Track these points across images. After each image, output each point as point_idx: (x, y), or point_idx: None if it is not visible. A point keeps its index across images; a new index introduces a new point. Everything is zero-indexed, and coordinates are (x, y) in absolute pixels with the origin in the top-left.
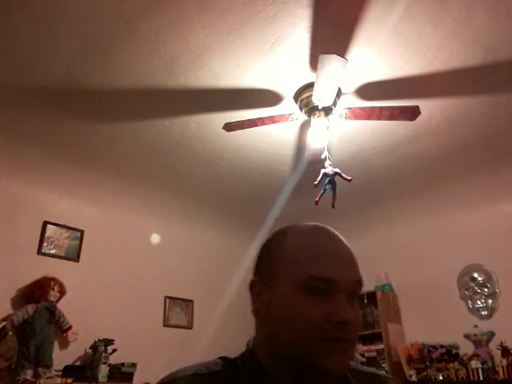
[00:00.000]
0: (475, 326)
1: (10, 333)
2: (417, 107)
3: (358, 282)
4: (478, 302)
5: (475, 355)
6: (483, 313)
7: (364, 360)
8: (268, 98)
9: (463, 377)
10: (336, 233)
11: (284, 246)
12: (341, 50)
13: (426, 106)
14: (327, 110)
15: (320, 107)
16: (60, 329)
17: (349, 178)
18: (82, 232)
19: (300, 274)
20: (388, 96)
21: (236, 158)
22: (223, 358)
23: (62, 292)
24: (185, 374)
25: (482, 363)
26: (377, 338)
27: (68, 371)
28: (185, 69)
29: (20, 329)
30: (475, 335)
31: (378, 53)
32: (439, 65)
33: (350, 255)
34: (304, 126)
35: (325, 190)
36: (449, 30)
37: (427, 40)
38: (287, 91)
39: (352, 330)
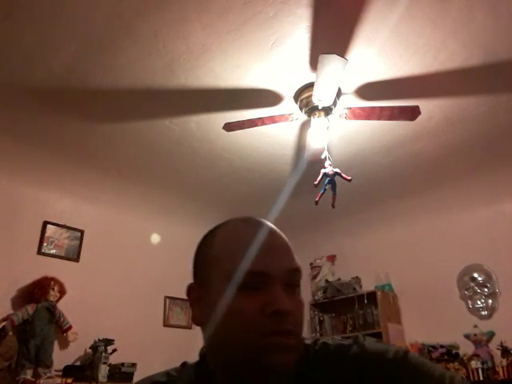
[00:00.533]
0: (475, 326)
1: (10, 333)
2: (417, 107)
3: (294, 271)
4: (478, 302)
5: (475, 355)
6: (483, 313)
7: None
8: (268, 98)
9: (463, 377)
10: (266, 223)
11: (213, 245)
12: (341, 50)
13: (426, 106)
14: (327, 110)
15: (320, 107)
16: (60, 329)
17: (349, 177)
18: (82, 232)
19: (229, 270)
20: (388, 96)
21: (236, 158)
22: (183, 364)
23: (62, 292)
24: (143, 382)
25: (482, 363)
26: (377, 338)
27: (68, 371)
28: (185, 69)
29: (20, 329)
30: (475, 335)
31: (378, 53)
32: (439, 65)
33: (281, 244)
34: (304, 126)
35: (325, 189)
36: (449, 30)
37: (427, 40)
38: (287, 91)
39: (292, 320)
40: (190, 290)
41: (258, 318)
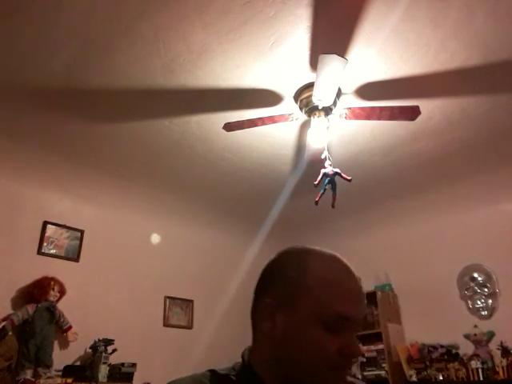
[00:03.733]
0: (475, 326)
1: (10, 333)
2: (417, 107)
3: (365, 318)
4: (478, 302)
5: (475, 355)
6: (483, 313)
7: (364, 360)
8: (268, 98)
9: (463, 377)
10: (350, 266)
11: (306, 276)
12: (341, 50)
13: (426, 106)
14: (327, 110)
15: (320, 107)
16: (60, 329)
17: (349, 177)
18: (81, 232)
19: (324, 310)
20: (388, 96)
21: (236, 158)
22: (212, 371)
23: (62, 292)
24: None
25: (482, 363)
26: (377, 337)
27: (68, 371)
28: (185, 69)
29: (20, 329)
30: (475, 335)
31: (378, 53)
32: (439, 65)
33: (363, 292)
34: (304, 126)
35: (325, 189)
36: (449, 31)
37: (427, 40)
38: (287, 91)
39: (356, 360)
40: (268, 304)
41: (335, 356)
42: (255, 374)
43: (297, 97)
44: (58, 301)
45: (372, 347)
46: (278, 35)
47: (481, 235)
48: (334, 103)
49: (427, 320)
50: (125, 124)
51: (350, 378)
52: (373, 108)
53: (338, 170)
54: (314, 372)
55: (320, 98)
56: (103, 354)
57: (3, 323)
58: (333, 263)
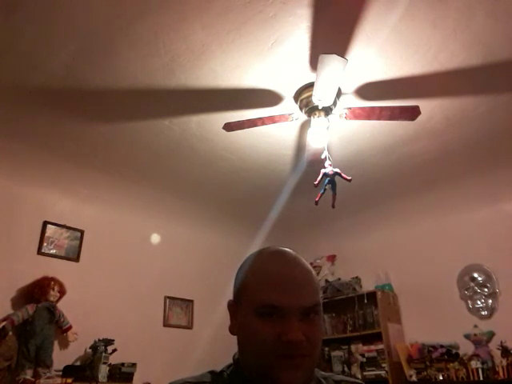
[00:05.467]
0: (475, 326)
1: (10, 333)
2: (417, 107)
3: (308, 308)
4: (478, 302)
5: (475, 355)
6: (483, 313)
7: (364, 360)
8: (268, 97)
9: (463, 377)
10: (294, 257)
11: (246, 273)
12: (341, 50)
13: (426, 106)
14: (327, 110)
15: (320, 107)
16: (60, 329)
17: (349, 177)
18: (82, 232)
19: (253, 299)
20: (388, 96)
21: (236, 158)
22: (211, 372)
23: (62, 292)
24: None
25: (482, 363)
26: (377, 337)
27: (68, 371)
28: (185, 69)
29: (20, 329)
30: (475, 335)
31: (378, 53)
32: (439, 65)
33: (301, 281)
34: (304, 126)
35: (325, 189)
36: (449, 30)
37: (427, 40)
38: (287, 91)
39: (305, 345)
40: (230, 305)
41: (275, 342)
42: (239, 368)
43: (297, 97)
44: (58, 301)
45: (372, 347)
46: (278, 35)
47: (481, 235)
48: (334, 103)
49: (427, 320)
50: (125, 124)
51: (338, 377)
52: (373, 108)
53: (337, 170)
54: (261, 359)
55: (320, 98)
56: (103, 354)
57: (3, 323)
58: (269, 257)
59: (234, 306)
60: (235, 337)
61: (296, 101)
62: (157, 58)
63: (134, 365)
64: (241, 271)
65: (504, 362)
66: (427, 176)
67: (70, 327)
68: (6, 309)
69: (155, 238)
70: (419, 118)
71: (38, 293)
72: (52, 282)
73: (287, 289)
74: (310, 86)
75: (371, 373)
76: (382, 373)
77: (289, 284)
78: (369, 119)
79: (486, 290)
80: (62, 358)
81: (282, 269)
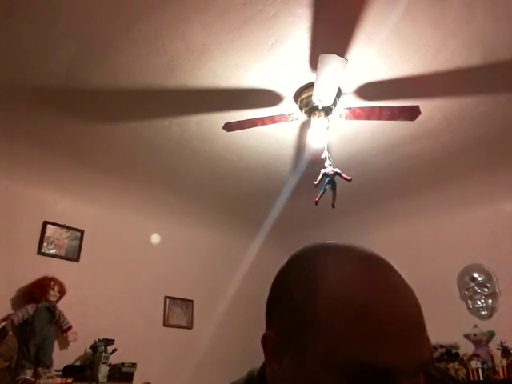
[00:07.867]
0: (475, 326)
1: (10, 333)
2: (417, 107)
3: (427, 363)
4: (478, 302)
5: (475, 355)
6: (483, 313)
7: None
8: (268, 97)
9: (463, 377)
10: (397, 273)
11: (316, 301)
12: (341, 50)
13: (426, 106)
14: (327, 110)
15: (320, 107)
16: (60, 329)
17: (349, 177)
18: (81, 232)
19: (344, 355)
20: (388, 96)
21: (236, 158)
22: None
23: (62, 292)
24: None
25: (482, 363)
26: None
27: (68, 371)
28: (185, 69)
29: (20, 329)
30: (475, 335)
31: (378, 53)
32: (439, 65)
33: (418, 318)
34: (304, 126)
35: (325, 189)
36: (449, 30)
37: (427, 40)
38: (287, 91)
39: None
40: (268, 340)
41: None
42: None
43: (297, 97)
44: (57, 301)
45: None
46: (278, 35)
47: (481, 235)
48: (334, 103)
49: (427, 320)
50: (125, 124)
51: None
52: (373, 108)
53: (338, 170)
54: None
55: (320, 97)
56: (103, 354)
57: (3, 323)
58: (358, 274)
59: (275, 343)
60: (235, 337)
61: (296, 101)
62: (157, 58)
63: (133, 365)
64: (297, 292)
65: (504, 362)
66: (427, 176)
67: (70, 327)
68: (6, 309)
69: (155, 238)
70: (419, 118)
71: (38, 293)
72: (52, 282)
73: (404, 335)
74: (310, 85)
75: None
76: None
77: (406, 326)
78: (369, 119)
79: (486, 290)
80: (61, 358)
81: (389, 296)
